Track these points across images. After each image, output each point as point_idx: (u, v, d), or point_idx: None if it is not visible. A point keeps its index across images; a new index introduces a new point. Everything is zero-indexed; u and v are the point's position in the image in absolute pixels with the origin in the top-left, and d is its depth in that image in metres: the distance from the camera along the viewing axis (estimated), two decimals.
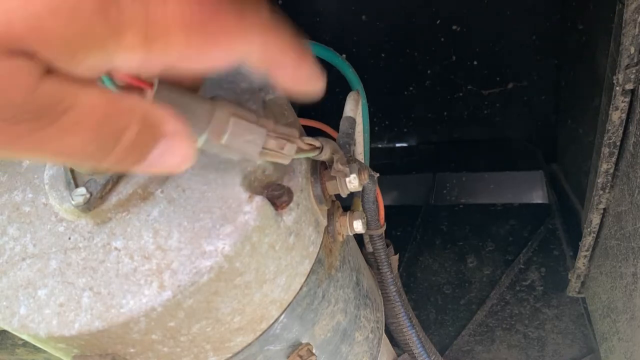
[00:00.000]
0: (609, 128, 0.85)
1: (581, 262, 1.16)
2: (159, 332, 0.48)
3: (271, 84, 0.51)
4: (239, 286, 0.50)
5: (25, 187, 0.56)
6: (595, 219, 1.03)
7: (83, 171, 0.50)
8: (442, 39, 1.66)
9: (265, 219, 0.50)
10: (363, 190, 0.80)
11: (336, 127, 0.71)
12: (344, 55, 0.76)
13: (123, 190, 0.50)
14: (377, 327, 0.84)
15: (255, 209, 0.49)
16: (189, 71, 0.30)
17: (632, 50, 0.74)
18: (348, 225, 0.66)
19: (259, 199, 0.49)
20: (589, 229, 1.06)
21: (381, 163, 1.93)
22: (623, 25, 0.73)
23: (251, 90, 0.57)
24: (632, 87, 0.78)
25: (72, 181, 0.50)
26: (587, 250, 1.12)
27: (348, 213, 0.67)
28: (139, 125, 0.29)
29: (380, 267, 0.95)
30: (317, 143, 0.51)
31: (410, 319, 1.03)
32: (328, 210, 0.65)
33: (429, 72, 1.76)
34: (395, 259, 0.98)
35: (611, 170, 0.92)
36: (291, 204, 0.53)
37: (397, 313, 1.01)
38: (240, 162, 0.51)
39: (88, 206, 0.49)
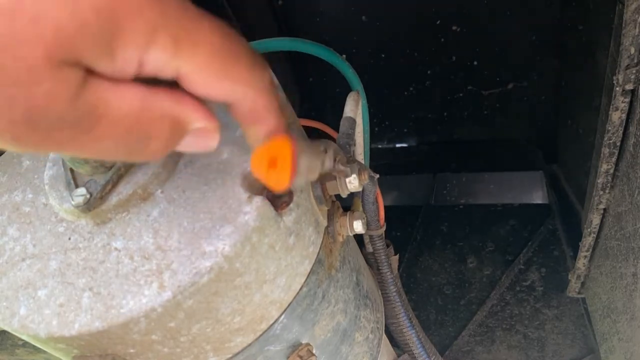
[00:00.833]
0: (609, 128, 0.85)
1: (581, 263, 1.16)
2: (159, 333, 0.48)
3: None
4: (239, 287, 0.50)
5: (26, 188, 0.56)
6: (595, 219, 1.03)
7: (83, 172, 0.50)
8: (442, 40, 1.66)
9: (265, 220, 0.50)
10: (363, 190, 0.80)
11: (336, 128, 0.71)
12: (344, 56, 0.76)
13: (123, 191, 0.50)
14: (377, 328, 0.84)
15: (255, 209, 0.49)
16: (192, 88, 0.31)
17: (632, 50, 0.74)
18: (348, 226, 0.66)
19: (259, 200, 0.49)
20: (589, 230, 1.06)
21: (381, 163, 1.93)
22: (623, 25, 0.73)
23: None
24: (632, 88, 0.78)
25: (72, 181, 0.50)
26: (587, 251, 1.12)
27: (348, 213, 0.67)
28: (169, 129, 0.31)
29: (380, 268, 0.95)
30: (321, 147, 0.50)
31: (410, 319, 1.03)
32: (328, 210, 0.65)
33: (429, 72, 1.76)
34: (395, 259, 0.98)
35: (611, 171, 0.92)
36: (291, 205, 0.53)
37: (397, 313, 1.01)
38: (240, 163, 0.51)
39: (88, 206, 0.49)
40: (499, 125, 1.85)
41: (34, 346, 0.53)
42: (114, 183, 0.50)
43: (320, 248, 0.61)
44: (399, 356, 1.08)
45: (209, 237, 0.48)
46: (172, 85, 0.30)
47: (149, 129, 0.30)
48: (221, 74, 0.31)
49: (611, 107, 0.82)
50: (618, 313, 1.03)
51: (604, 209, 1.00)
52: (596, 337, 1.25)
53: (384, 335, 0.91)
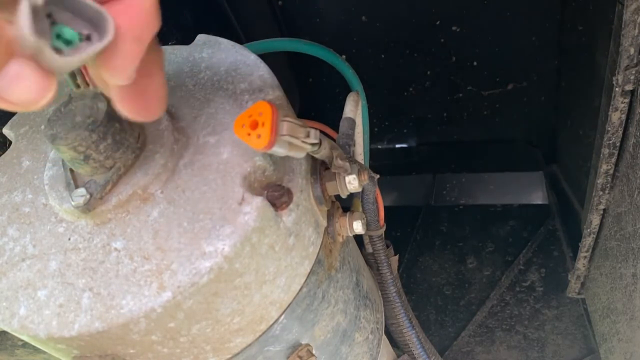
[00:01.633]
0: (609, 129, 0.85)
1: (581, 263, 1.16)
2: (159, 333, 0.48)
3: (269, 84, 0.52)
4: (238, 287, 0.50)
5: (25, 188, 0.56)
6: (595, 219, 1.03)
7: (83, 172, 0.50)
8: (442, 40, 1.66)
9: (265, 220, 0.50)
10: (363, 191, 0.80)
11: (336, 128, 0.71)
12: (343, 56, 0.76)
13: (123, 191, 0.50)
14: (377, 328, 0.84)
15: (255, 209, 0.49)
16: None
17: (632, 51, 0.74)
18: (348, 226, 0.66)
19: (258, 200, 0.49)
20: (588, 230, 1.06)
21: (381, 164, 1.93)
22: (623, 26, 0.73)
23: (250, 91, 0.57)
24: (631, 88, 0.78)
25: (72, 182, 0.50)
26: (587, 251, 1.12)
27: (348, 214, 0.67)
28: None
29: (380, 268, 0.95)
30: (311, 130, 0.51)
31: (410, 319, 1.03)
32: (328, 211, 0.65)
33: (428, 73, 1.76)
34: (395, 259, 0.98)
35: (611, 171, 0.92)
36: (291, 205, 0.53)
37: (397, 314, 1.01)
38: (240, 163, 0.51)
39: (88, 207, 0.49)
40: (499, 125, 1.85)
41: (33, 347, 0.53)
42: (114, 183, 0.50)
43: (320, 248, 0.61)
44: (398, 356, 1.08)
45: (208, 237, 0.48)
46: None
47: None
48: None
49: (611, 107, 0.82)
50: (618, 313, 1.03)
51: (604, 210, 1.00)
52: (596, 337, 1.25)
53: (384, 336, 0.91)
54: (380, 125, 1.95)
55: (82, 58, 0.31)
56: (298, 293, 0.58)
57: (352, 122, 0.71)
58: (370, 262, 0.96)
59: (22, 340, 0.53)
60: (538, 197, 1.71)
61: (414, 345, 1.05)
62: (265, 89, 0.57)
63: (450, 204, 1.76)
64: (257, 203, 0.49)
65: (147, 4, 0.33)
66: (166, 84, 0.40)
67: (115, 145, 0.49)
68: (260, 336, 0.57)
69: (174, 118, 0.55)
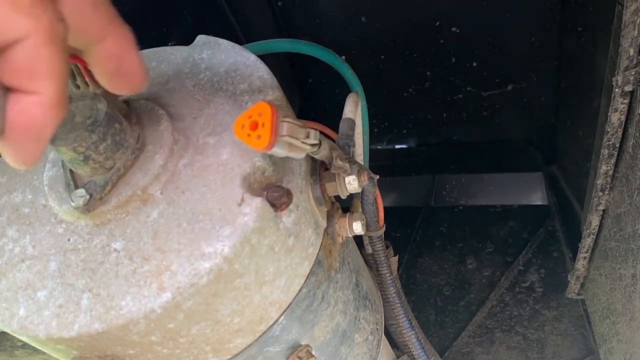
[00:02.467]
0: (608, 130, 0.85)
1: (580, 264, 1.16)
2: (159, 334, 0.48)
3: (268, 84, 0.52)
4: (238, 288, 0.50)
5: (25, 189, 0.56)
6: (594, 220, 1.03)
7: (83, 173, 0.50)
8: (442, 41, 1.66)
9: (264, 221, 0.50)
10: (362, 191, 0.80)
11: (335, 129, 0.71)
12: (343, 57, 0.76)
13: (122, 192, 0.50)
14: (377, 329, 0.84)
15: (254, 210, 0.49)
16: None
17: (632, 52, 0.74)
18: (347, 227, 0.66)
19: (258, 201, 0.49)
20: (588, 231, 1.06)
21: (381, 164, 1.93)
22: (622, 27, 0.73)
23: (250, 92, 0.57)
24: (631, 89, 0.78)
25: (71, 182, 0.50)
26: (586, 252, 1.12)
27: (347, 214, 0.67)
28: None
29: (379, 269, 0.95)
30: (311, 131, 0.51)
31: (409, 320, 1.03)
32: (327, 211, 0.65)
33: (428, 73, 1.76)
34: (394, 260, 0.98)
35: (610, 172, 0.92)
36: (291, 206, 0.53)
37: (397, 314, 1.01)
38: (240, 163, 0.51)
39: (87, 207, 0.49)
40: (499, 126, 1.86)
41: (33, 347, 0.53)
42: (114, 184, 0.50)
43: (319, 249, 0.61)
44: (398, 357, 1.08)
45: (208, 238, 0.48)
46: None
47: None
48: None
49: (610, 108, 0.82)
50: (617, 314, 1.03)
51: (603, 210, 1.00)
52: (595, 338, 1.25)
53: (384, 337, 0.91)
54: (379, 125, 1.95)
55: None
56: (298, 294, 0.58)
57: (352, 122, 0.71)
58: (370, 262, 0.96)
59: (21, 341, 0.52)
60: (538, 198, 1.71)
61: (414, 346, 1.05)
62: (265, 89, 0.57)
63: (449, 204, 1.76)
64: (257, 204, 0.49)
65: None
66: (141, 59, 0.41)
67: (115, 146, 0.49)
68: (260, 337, 0.57)
69: (173, 119, 0.55)
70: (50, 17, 0.30)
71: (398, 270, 1.02)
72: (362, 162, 0.83)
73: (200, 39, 0.64)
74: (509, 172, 1.80)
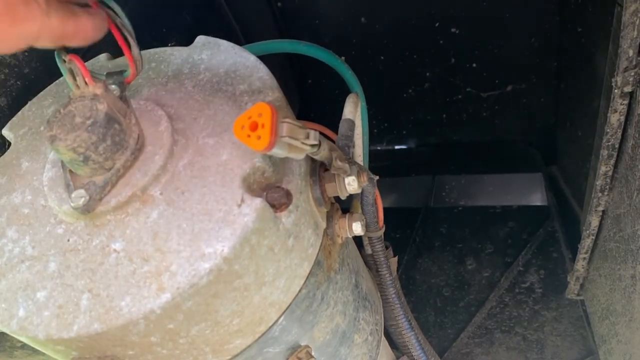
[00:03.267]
0: (608, 130, 0.85)
1: (580, 265, 1.16)
2: (158, 335, 0.48)
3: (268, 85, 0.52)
4: (238, 288, 0.50)
5: (25, 189, 0.56)
6: (594, 221, 1.03)
7: (82, 173, 0.50)
8: (441, 42, 1.66)
9: (264, 222, 0.50)
10: (362, 192, 0.80)
11: (335, 130, 0.71)
12: (343, 58, 0.76)
13: (122, 193, 0.50)
14: (376, 330, 0.84)
15: (254, 211, 0.49)
16: None
17: (631, 52, 0.74)
18: (347, 228, 0.66)
19: (258, 202, 0.49)
20: (587, 232, 1.06)
21: (380, 165, 1.93)
22: (621, 28, 0.73)
23: (250, 92, 0.57)
24: (630, 90, 0.78)
25: (71, 183, 0.50)
26: (586, 253, 1.12)
27: (347, 215, 0.67)
28: None
29: (379, 269, 0.95)
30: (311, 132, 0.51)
31: (409, 321, 1.03)
32: (327, 212, 0.65)
33: (428, 74, 1.76)
34: (394, 261, 0.98)
35: (610, 173, 0.92)
36: (290, 207, 0.53)
37: (396, 315, 1.01)
38: (239, 164, 0.51)
39: (87, 208, 0.49)
40: (498, 127, 1.86)
41: (32, 348, 0.52)
42: (113, 185, 0.50)
43: (319, 250, 0.61)
44: (398, 358, 1.08)
45: (208, 238, 0.48)
46: None
47: None
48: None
49: (610, 109, 0.82)
50: (617, 315, 1.03)
51: (603, 211, 1.00)
52: (595, 339, 1.25)
53: (383, 337, 0.91)
54: (379, 126, 1.95)
55: None
56: (297, 294, 0.58)
57: (352, 123, 0.71)
58: (370, 263, 0.96)
59: (21, 342, 0.52)
60: (537, 199, 1.71)
61: (413, 347, 1.05)
62: (264, 90, 0.57)
63: (449, 205, 1.76)
64: (257, 204, 0.49)
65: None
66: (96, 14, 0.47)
67: (115, 147, 0.49)
68: (259, 337, 0.57)
69: (173, 119, 0.55)
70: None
71: (397, 271, 1.02)
72: (361, 163, 0.83)
73: (200, 39, 0.64)
74: (509, 173, 1.80)
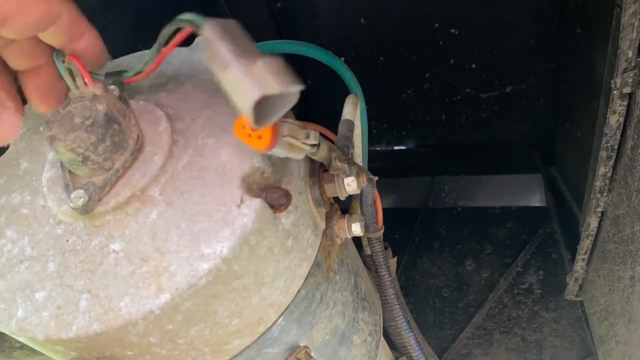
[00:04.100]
0: (607, 131, 0.85)
1: (579, 266, 1.16)
2: (157, 335, 0.48)
3: None
4: (237, 289, 0.50)
5: (24, 190, 0.56)
6: (593, 222, 1.03)
7: (81, 173, 0.50)
8: (441, 42, 1.66)
9: (263, 222, 0.50)
10: (361, 193, 0.80)
11: (334, 130, 0.71)
12: (342, 59, 0.76)
13: (121, 193, 0.50)
14: (375, 330, 0.84)
15: (253, 211, 0.49)
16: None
17: (630, 54, 0.75)
18: (346, 228, 0.66)
19: (257, 202, 0.49)
20: (587, 232, 1.06)
21: (379, 166, 1.93)
22: (621, 29, 0.73)
23: None
24: (629, 91, 0.79)
25: (70, 183, 0.50)
26: (585, 254, 1.12)
27: (346, 216, 0.67)
28: None
29: (378, 270, 0.95)
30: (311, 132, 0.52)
31: (408, 322, 1.03)
32: (326, 213, 0.66)
33: (427, 75, 1.76)
34: (393, 261, 0.98)
35: (609, 174, 0.92)
36: (289, 207, 0.53)
37: (395, 316, 1.01)
38: (239, 165, 0.51)
39: (86, 208, 0.49)
40: (497, 128, 1.86)
41: (31, 348, 0.52)
42: (112, 185, 0.50)
43: (318, 251, 0.61)
44: (397, 359, 1.08)
45: (207, 239, 0.48)
46: None
47: None
48: None
49: (609, 110, 0.83)
50: (616, 316, 1.03)
51: (602, 212, 1.00)
52: (594, 339, 1.25)
53: (382, 338, 0.91)
54: (378, 127, 1.95)
55: None
56: (296, 295, 0.58)
57: (351, 124, 0.71)
58: (369, 264, 0.96)
59: (20, 342, 0.52)
60: (536, 200, 1.71)
61: (412, 348, 1.05)
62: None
63: (448, 206, 1.76)
64: (256, 205, 0.49)
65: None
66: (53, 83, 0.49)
67: (114, 147, 0.49)
68: (258, 338, 0.57)
69: (172, 120, 0.55)
70: None
71: (397, 271, 1.03)
72: (361, 164, 0.83)
73: (200, 40, 0.64)
74: (508, 174, 1.80)
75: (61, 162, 0.52)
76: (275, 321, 0.57)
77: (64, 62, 0.50)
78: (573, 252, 1.20)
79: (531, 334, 1.37)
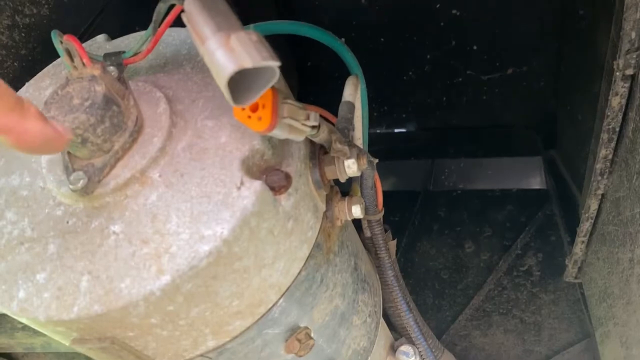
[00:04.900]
0: (609, 114, 0.85)
1: (578, 248, 1.16)
2: (158, 316, 0.49)
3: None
4: (237, 270, 0.50)
5: (23, 171, 0.56)
6: (593, 204, 1.03)
7: (81, 155, 0.50)
8: (442, 24, 1.65)
9: (263, 204, 0.50)
10: (361, 175, 0.80)
11: (335, 112, 0.71)
12: (343, 40, 0.75)
13: (121, 175, 0.50)
14: (375, 312, 0.85)
15: (253, 193, 0.49)
16: None
17: (633, 35, 0.74)
18: (346, 211, 0.66)
19: (257, 184, 0.49)
20: (586, 215, 1.06)
21: (380, 148, 1.93)
22: (624, 9, 0.72)
23: None
24: (632, 73, 0.78)
25: (69, 165, 0.50)
26: (584, 236, 1.12)
27: (347, 198, 0.67)
28: None
29: (378, 252, 0.96)
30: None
31: (407, 303, 1.04)
32: (327, 195, 0.65)
33: (428, 57, 1.75)
34: (393, 244, 0.99)
35: (610, 156, 0.92)
36: (290, 189, 0.53)
37: (395, 298, 1.01)
38: (238, 147, 0.51)
39: (86, 190, 0.49)
40: (498, 110, 1.85)
41: (33, 330, 0.53)
42: (112, 167, 0.50)
43: (318, 233, 0.61)
44: (396, 340, 1.09)
45: (207, 221, 0.48)
46: None
47: None
48: None
49: (611, 92, 0.82)
50: (614, 298, 1.03)
51: (602, 195, 1.00)
52: (592, 321, 1.26)
53: (382, 319, 0.91)
54: (379, 109, 1.94)
55: None
56: (297, 277, 0.59)
57: (351, 106, 0.70)
58: (369, 246, 0.96)
59: (21, 323, 0.53)
60: (536, 182, 1.71)
61: (412, 329, 1.06)
62: None
63: (448, 188, 1.76)
64: (256, 187, 0.49)
65: None
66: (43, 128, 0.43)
67: (113, 128, 0.49)
68: (259, 319, 0.57)
69: (171, 101, 0.55)
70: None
71: (396, 253, 1.03)
72: (361, 146, 0.83)
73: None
74: (508, 157, 1.80)
75: None
76: (276, 302, 0.57)
77: (62, 42, 0.49)
78: (572, 235, 1.20)
79: (530, 315, 1.38)
